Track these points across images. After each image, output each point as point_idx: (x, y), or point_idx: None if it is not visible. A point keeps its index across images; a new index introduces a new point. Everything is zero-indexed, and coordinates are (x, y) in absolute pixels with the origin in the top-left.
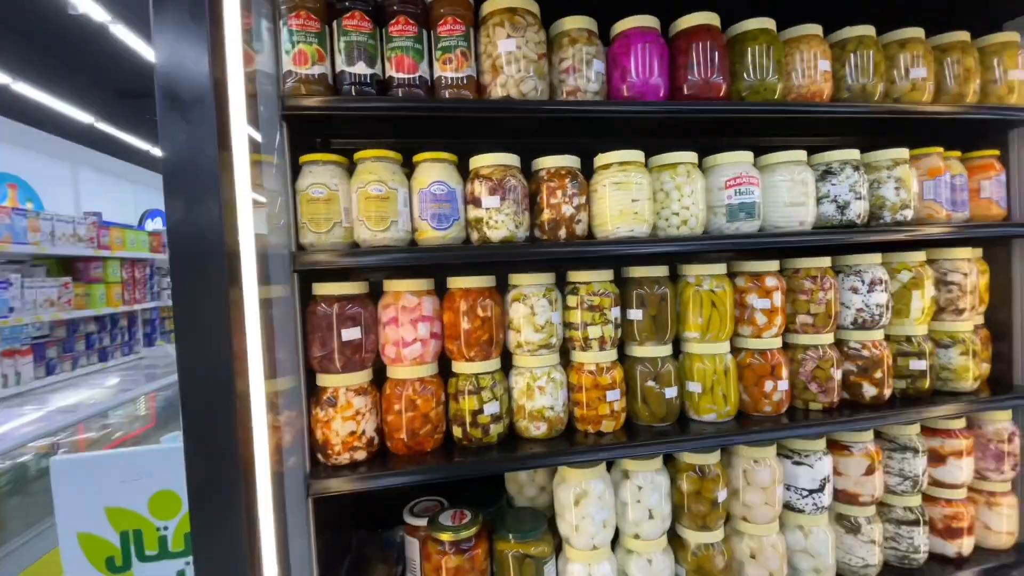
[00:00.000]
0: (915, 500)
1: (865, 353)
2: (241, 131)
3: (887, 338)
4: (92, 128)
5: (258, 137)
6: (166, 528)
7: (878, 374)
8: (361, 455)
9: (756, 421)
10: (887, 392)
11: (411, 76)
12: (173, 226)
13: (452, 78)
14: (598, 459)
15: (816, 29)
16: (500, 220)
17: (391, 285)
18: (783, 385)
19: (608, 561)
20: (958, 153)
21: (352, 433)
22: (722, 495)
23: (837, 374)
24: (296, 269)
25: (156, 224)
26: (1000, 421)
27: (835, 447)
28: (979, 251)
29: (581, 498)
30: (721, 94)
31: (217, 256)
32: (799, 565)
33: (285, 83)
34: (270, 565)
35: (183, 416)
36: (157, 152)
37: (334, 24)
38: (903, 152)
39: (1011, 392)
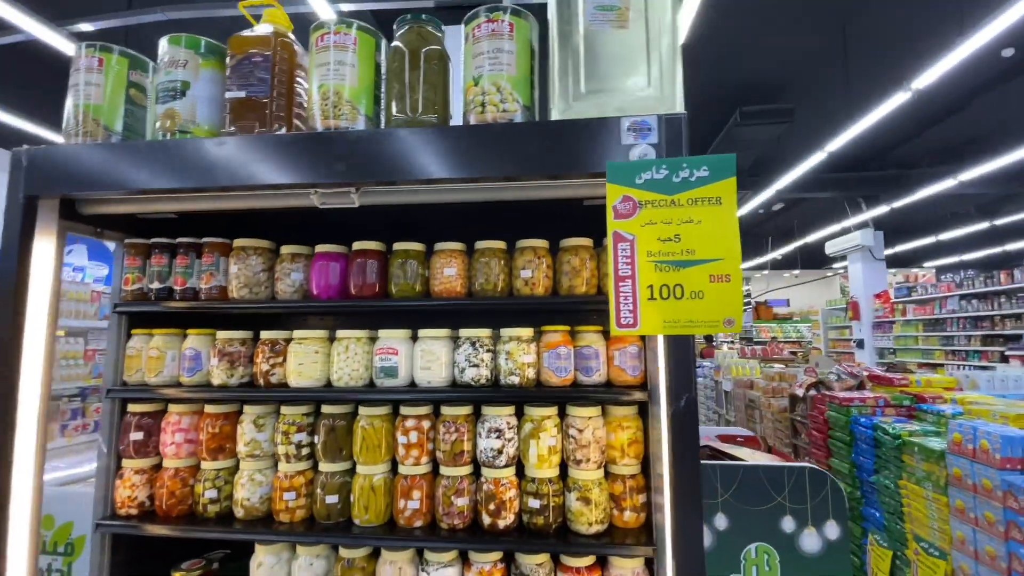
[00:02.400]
0: None
1: (485, 487)
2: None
3: (522, 477)
4: None
5: (103, 325)
6: (47, 536)
7: (492, 506)
8: (134, 512)
9: (396, 530)
10: (503, 523)
11: (183, 288)
12: None
13: (206, 288)
14: (276, 541)
15: (455, 245)
16: (219, 372)
17: (172, 407)
18: (413, 504)
19: None
20: (598, 328)
21: (129, 497)
22: None
23: (460, 501)
24: (107, 396)
25: None
26: (622, 568)
27: (466, 563)
28: (625, 409)
29: (259, 566)
30: (376, 292)
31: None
32: None
33: (121, 293)
34: None
35: None
36: None
37: (148, 260)
38: (515, 331)
39: (648, 543)
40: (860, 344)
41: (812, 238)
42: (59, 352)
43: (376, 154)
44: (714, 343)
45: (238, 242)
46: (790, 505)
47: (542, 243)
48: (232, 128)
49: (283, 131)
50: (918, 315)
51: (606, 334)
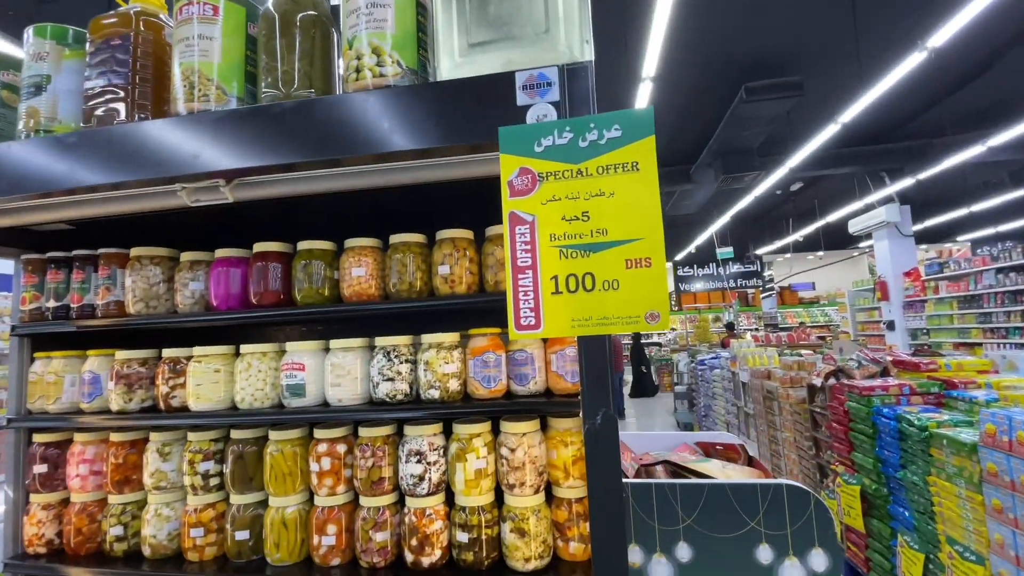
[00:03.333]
0: None
1: (407, 519)
2: None
3: (451, 504)
4: None
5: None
6: None
7: (414, 541)
8: (42, 550)
9: (312, 569)
10: (428, 560)
11: (80, 305)
12: None
13: (103, 303)
14: None
15: (366, 241)
16: (115, 396)
17: (78, 436)
18: (328, 540)
19: None
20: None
21: (35, 534)
22: None
23: (379, 536)
24: (6, 427)
25: None
26: None
27: None
28: (567, 422)
29: None
30: (279, 299)
31: None
32: None
33: (18, 315)
34: None
35: None
36: None
37: (46, 277)
38: (433, 338)
39: None
40: (891, 326)
41: (834, 217)
42: None
43: (240, 137)
44: (736, 331)
45: (135, 251)
46: (766, 531)
47: (464, 234)
48: (92, 123)
49: None
50: (952, 292)
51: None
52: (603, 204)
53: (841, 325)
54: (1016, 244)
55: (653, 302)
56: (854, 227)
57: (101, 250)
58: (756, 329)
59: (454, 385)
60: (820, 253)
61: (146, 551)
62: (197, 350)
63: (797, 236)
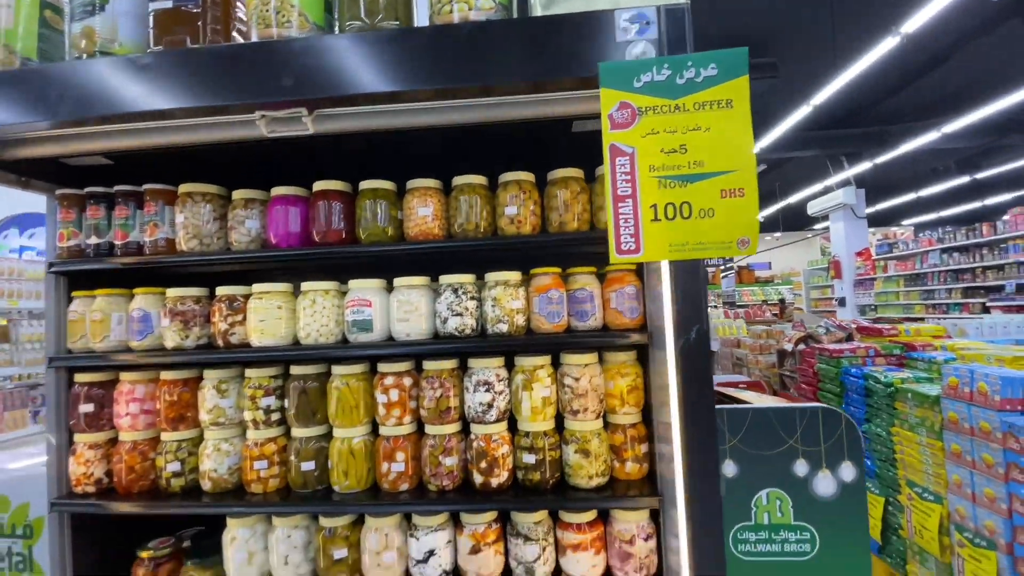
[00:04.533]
0: None
1: (475, 444)
2: None
3: (514, 432)
4: None
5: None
6: (3, 519)
7: (484, 464)
8: (91, 490)
9: (381, 495)
10: (496, 481)
11: (125, 242)
12: None
13: (150, 241)
14: (249, 513)
15: (429, 182)
16: (170, 334)
17: (124, 375)
18: (397, 467)
19: None
20: (592, 269)
21: (84, 474)
22: (340, 554)
23: (448, 460)
24: (50, 366)
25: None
26: (626, 522)
27: (456, 525)
28: (623, 355)
29: (232, 541)
30: (341, 238)
31: None
32: None
33: (55, 252)
34: None
35: None
36: None
37: (85, 213)
38: (502, 275)
39: (654, 494)
40: (842, 302)
41: (795, 199)
42: (23, 335)
43: (328, 65)
44: None
45: (184, 187)
46: (802, 448)
47: (529, 176)
48: (162, 45)
49: None
50: (899, 271)
51: (601, 276)
52: (699, 138)
53: (795, 302)
54: (960, 226)
55: (745, 229)
56: (813, 208)
57: (146, 186)
58: (714, 306)
59: (520, 320)
60: (778, 234)
61: (206, 485)
62: (258, 287)
63: (758, 217)
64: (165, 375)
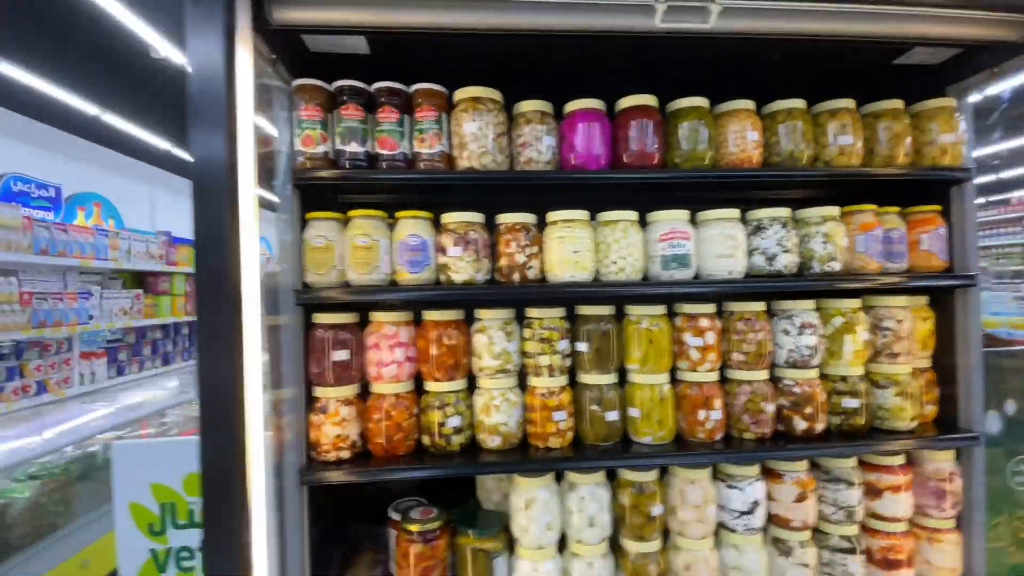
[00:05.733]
0: (851, 529)
1: (796, 390)
2: (248, 206)
3: (824, 377)
4: (169, 153)
5: (275, 199)
6: (194, 503)
7: (809, 409)
8: (346, 455)
9: (690, 446)
10: (819, 427)
11: (393, 153)
12: (199, 273)
13: (427, 153)
14: (545, 470)
15: (747, 104)
16: (462, 266)
17: (375, 316)
18: (716, 415)
19: (553, 561)
20: (897, 209)
21: (338, 436)
22: (657, 510)
23: (769, 407)
24: (299, 302)
25: None
26: (940, 461)
27: (770, 474)
28: (922, 299)
29: (530, 504)
30: (655, 162)
31: (226, 293)
32: None
33: (296, 160)
34: (260, 534)
35: (200, 412)
36: None
37: (334, 113)
38: (830, 210)
39: (954, 433)
40: None
41: None
42: None
43: None
44: None
45: (468, 92)
46: None
47: (852, 104)
48: None
49: None
50: None
51: (904, 215)
52: None
53: None
54: None
55: None
56: None
57: (419, 85)
58: None
59: (845, 258)
60: None
61: (493, 441)
62: (561, 214)
63: None
64: (431, 316)
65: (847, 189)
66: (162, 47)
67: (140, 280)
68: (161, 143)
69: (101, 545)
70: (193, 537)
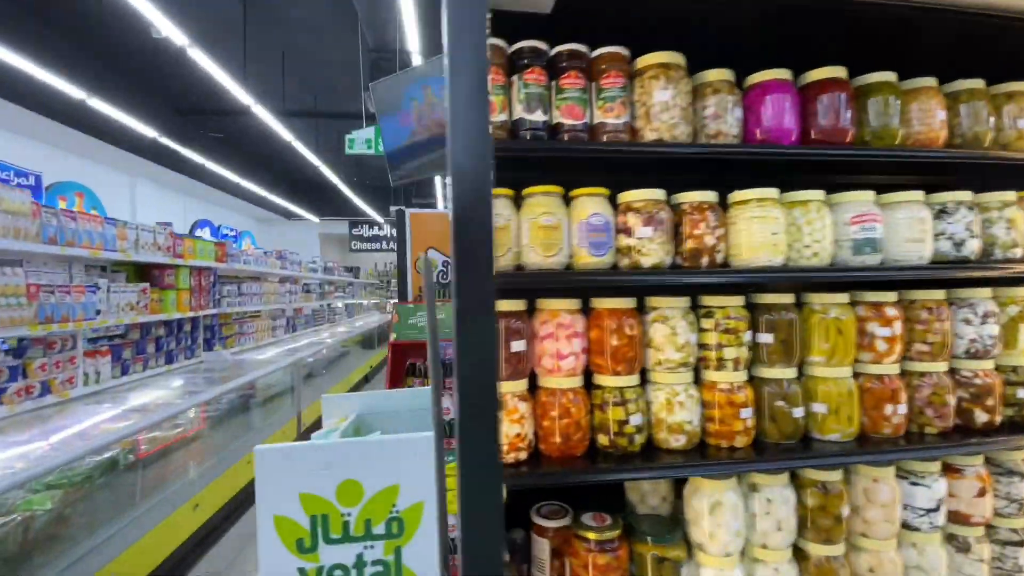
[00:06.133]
0: (1020, 522)
1: (977, 381)
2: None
3: (996, 368)
4: (155, 142)
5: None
6: (349, 514)
7: (990, 401)
8: (523, 455)
9: (876, 442)
10: (997, 419)
11: (577, 123)
12: (459, 261)
13: (612, 124)
14: (731, 472)
15: (932, 82)
16: (652, 248)
17: (548, 304)
18: (902, 409)
19: (739, 569)
20: None
21: (517, 435)
22: (845, 511)
23: (952, 400)
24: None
25: (205, 233)
26: None
27: (948, 470)
28: None
29: (715, 508)
30: (848, 139)
31: (486, 278)
32: None
33: None
34: None
35: (459, 404)
36: (210, 166)
37: (515, 78)
38: (1007, 195)
39: None
40: None
41: None
42: None
43: None
44: None
45: (657, 57)
46: None
47: None
48: None
49: None
50: None
51: None
52: None
53: None
54: None
55: None
56: None
57: (603, 50)
58: None
59: None
60: None
61: (677, 441)
62: (754, 192)
63: None
64: (607, 304)
65: (1014, 175)
66: (163, 26)
67: (144, 273)
68: (148, 131)
69: (128, 555)
70: (349, 553)
